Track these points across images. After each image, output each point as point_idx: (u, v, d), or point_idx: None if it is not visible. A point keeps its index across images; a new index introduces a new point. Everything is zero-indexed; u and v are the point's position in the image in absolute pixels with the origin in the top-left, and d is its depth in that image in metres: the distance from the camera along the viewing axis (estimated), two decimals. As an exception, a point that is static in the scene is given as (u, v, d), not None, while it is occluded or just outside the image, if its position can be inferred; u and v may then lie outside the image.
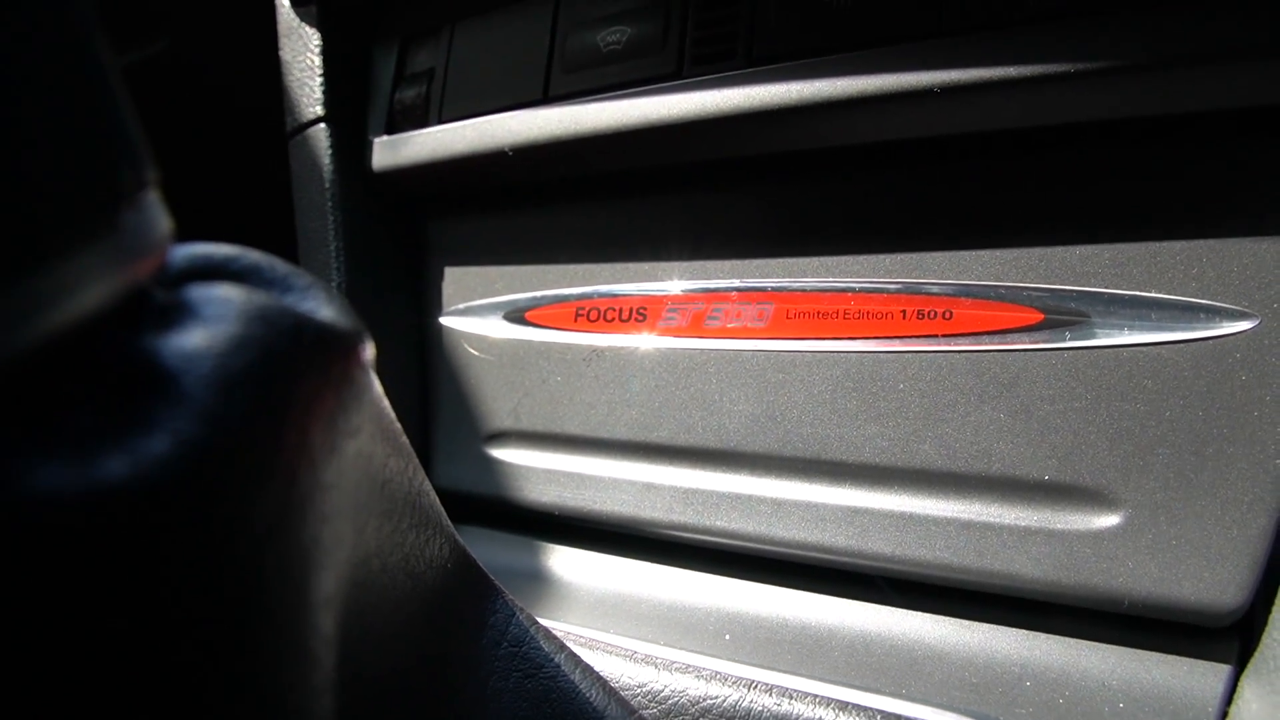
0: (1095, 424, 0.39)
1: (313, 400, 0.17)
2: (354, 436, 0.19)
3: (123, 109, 0.16)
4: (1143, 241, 0.38)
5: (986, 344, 0.41)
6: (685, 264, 0.50)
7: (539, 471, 0.55)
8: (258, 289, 0.18)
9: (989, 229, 0.41)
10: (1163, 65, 0.34)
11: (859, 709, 0.37)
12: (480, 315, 0.59)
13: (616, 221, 0.54)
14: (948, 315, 0.42)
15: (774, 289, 0.47)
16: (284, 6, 0.61)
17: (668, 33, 0.46)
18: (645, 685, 0.40)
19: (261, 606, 0.16)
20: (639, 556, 0.53)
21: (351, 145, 0.61)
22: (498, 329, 0.58)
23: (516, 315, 0.57)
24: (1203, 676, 0.37)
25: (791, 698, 0.38)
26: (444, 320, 0.61)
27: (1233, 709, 0.36)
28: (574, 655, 0.29)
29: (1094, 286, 0.39)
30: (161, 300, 0.17)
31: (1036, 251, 0.40)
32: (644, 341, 0.51)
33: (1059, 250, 0.40)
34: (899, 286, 0.43)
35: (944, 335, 0.42)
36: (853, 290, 0.45)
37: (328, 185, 0.60)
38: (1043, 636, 0.40)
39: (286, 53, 0.62)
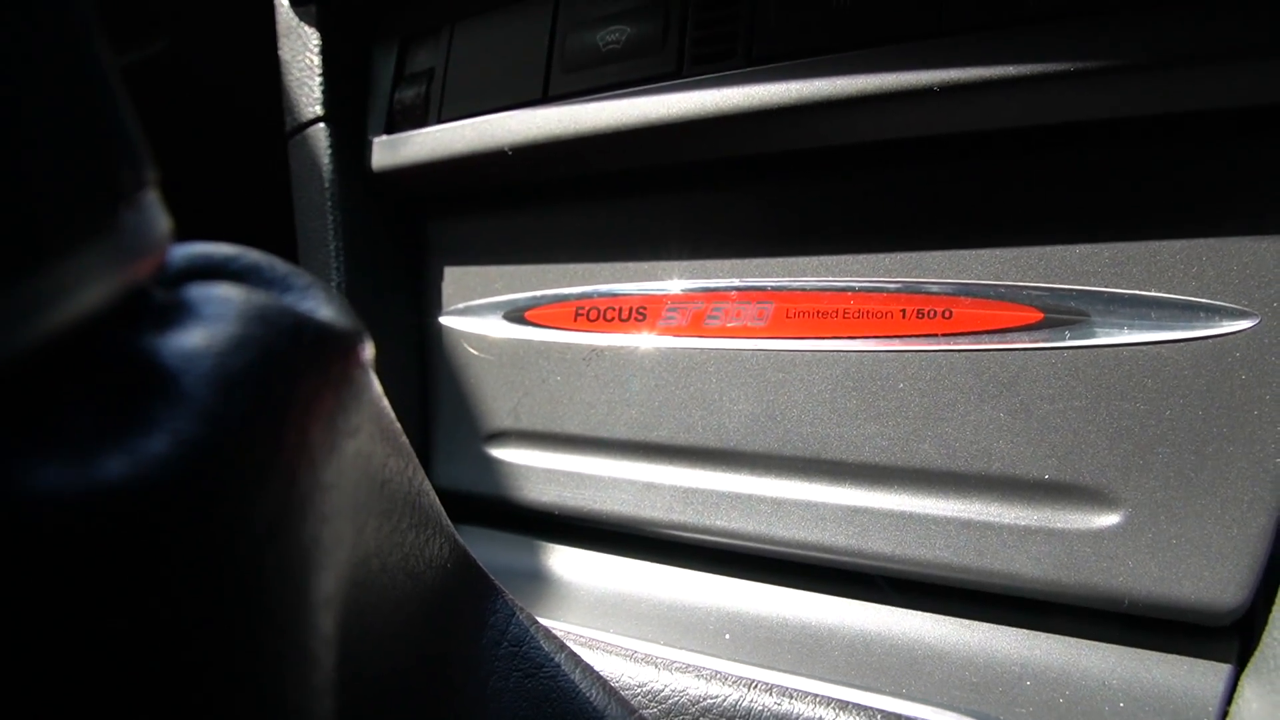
0: (1095, 423, 0.39)
1: (312, 400, 0.17)
2: (353, 436, 0.19)
3: (122, 109, 0.16)
4: (1142, 240, 0.38)
5: (986, 343, 0.41)
6: (685, 263, 0.50)
7: (539, 471, 0.55)
8: (257, 288, 0.18)
9: (988, 228, 0.41)
10: (1163, 65, 0.34)
11: (859, 708, 0.37)
12: (480, 315, 0.59)
13: (616, 221, 0.54)
14: (947, 314, 0.42)
15: (774, 288, 0.47)
16: (283, 6, 0.61)
17: (667, 32, 0.46)
18: (645, 685, 0.40)
19: (261, 606, 0.16)
20: (639, 556, 0.53)
21: (351, 145, 0.61)
22: (497, 328, 0.58)
23: (516, 315, 0.57)
24: (1203, 676, 0.37)
25: (791, 697, 0.38)
26: (444, 320, 0.61)
27: (1233, 708, 0.36)
28: (574, 655, 0.29)
29: (1094, 285, 0.39)
30: (161, 300, 0.17)
31: (1036, 250, 0.40)
32: (644, 341, 0.51)
33: (1058, 249, 0.40)
34: (898, 286, 0.43)
35: (944, 334, 0.42)
36: (852, 289, 0.45)
37: (327, 185, 0.60)
38: (1043, 636, 0.40)
39: (286, 52, 0.62)
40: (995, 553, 0.40)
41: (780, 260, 0.47)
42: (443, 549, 0.26)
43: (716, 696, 0.39)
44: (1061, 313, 0.39)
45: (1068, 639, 0.40)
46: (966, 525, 0.41)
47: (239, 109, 0.86)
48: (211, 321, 0.16)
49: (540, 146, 0.51)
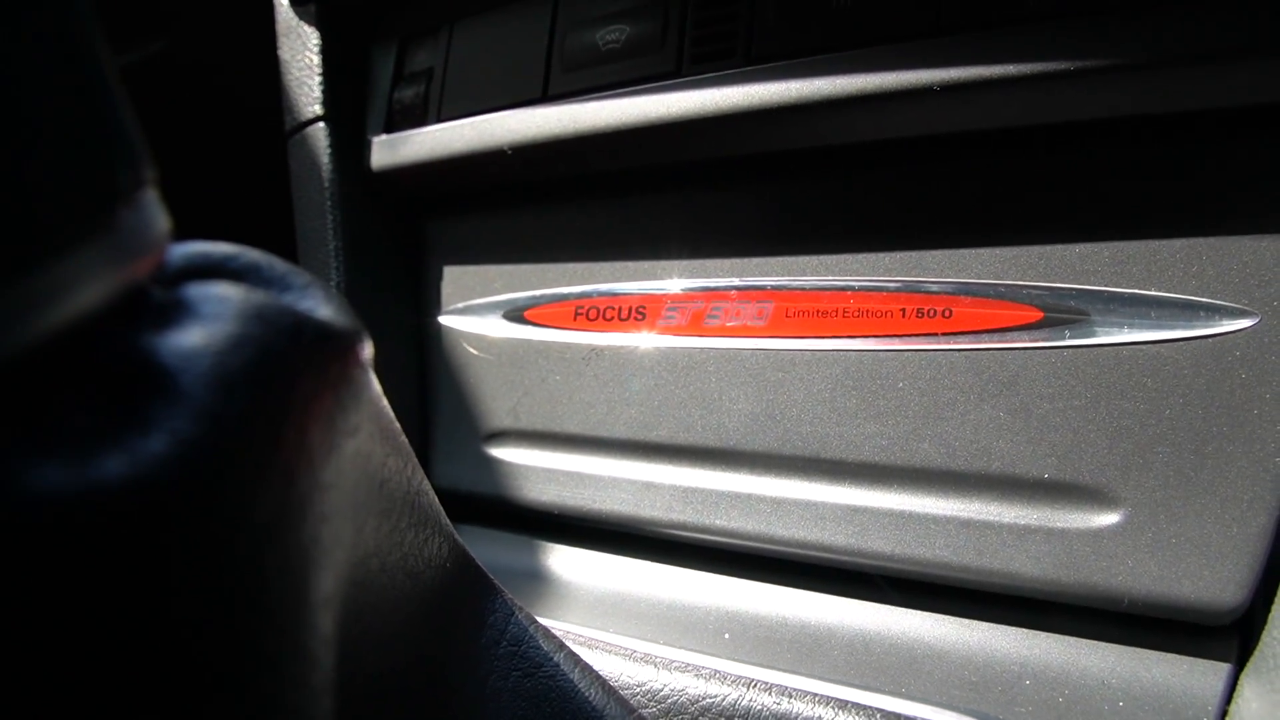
0: (1095, 422, 0.39)
1: (311, 399, 0.17)
2: (353, 436, 0.19)
3: (121, 108, 0.16)
4: (1142, 240, 0.38)
5: (986, 342, 0.41)
6: (684, 263, 0.50)
7: (538, 471, 0.55)
8: (256, 288, 0.18)
9: (988, 227, 0.41)
10: (1162, 64, 0.34)
11: (859, 708, 0.37)
12: (479, 314, 0.59)
13: (615, 220, 0.54)
14: (947, 314, 0.42)
15: (773, 287, 0.47)
16: (283, 6, 0.61)
17: (667, 31, 0.46)
18: (645, 684, 0.40)
19: (261, 606, 0.16)
20: (638, 556, 0.53)
21: (350, 144, 0.61)
22: (497, 328, 0.58)
23: (515, 314, 0.57)
24: (1203, 675, 0.37)
25: (791, 696, 0.38)
26: (443, 319, 0.61)
27: (1233, 707, 0.36)
28: (573, 654, 0.29)
29: (1094, 285, 0.39)
30: (159, 299, 0.17)
31: (1036, 250, 0.40)
32: (643, 340, 0.51)
33: (1058, 248, 0.40)
34: (898, 285, 0.43)
35: (943, 334, 0.42)
36: (852, 289, 0.45)
37: (326, 184, 0.60)
38: (1042, 635, 0.40)
39: (285, 52, 0.62)
40: (995, 552, 0.40)
41: (780, 259, 0.47)
42: (442, 548, 0.26)
43: (716, 696, 0.39)
44: (1061, 312, 0.39)
45: (1067, 638, 0.40)
46: (966, 525, 0.41)
47: (238, 109, 0.86)
48: (210, 320, 0.16)
49: (540, 146, 0.51)
